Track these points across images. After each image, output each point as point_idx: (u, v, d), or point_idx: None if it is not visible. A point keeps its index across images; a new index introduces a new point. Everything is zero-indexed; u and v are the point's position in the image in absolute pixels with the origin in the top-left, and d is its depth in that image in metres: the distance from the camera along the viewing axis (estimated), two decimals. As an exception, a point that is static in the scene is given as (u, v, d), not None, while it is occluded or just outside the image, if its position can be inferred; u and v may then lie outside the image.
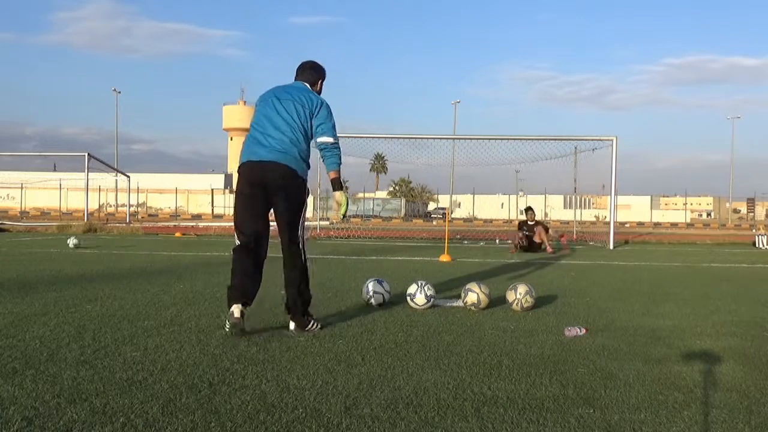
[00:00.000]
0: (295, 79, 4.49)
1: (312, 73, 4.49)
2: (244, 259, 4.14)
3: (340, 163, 4.33)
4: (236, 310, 3.90)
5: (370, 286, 5.23)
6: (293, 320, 4.18)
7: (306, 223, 4.39)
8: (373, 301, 5.17)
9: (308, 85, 4.42)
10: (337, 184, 4.39)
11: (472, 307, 5.07)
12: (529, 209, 13.94)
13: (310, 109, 4.21)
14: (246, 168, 4.22)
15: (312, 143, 4.33)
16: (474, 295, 5.08)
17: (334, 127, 4.27)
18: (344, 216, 4.47)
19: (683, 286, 7.22)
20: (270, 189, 4.13)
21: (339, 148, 4.31)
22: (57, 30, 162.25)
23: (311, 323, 4.19)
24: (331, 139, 4.23)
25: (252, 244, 4.17)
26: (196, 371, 3.11)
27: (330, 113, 4.28)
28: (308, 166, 4.28)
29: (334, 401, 2.69)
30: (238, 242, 4.19)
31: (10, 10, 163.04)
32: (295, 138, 4.16)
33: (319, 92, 4.50)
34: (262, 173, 4.12)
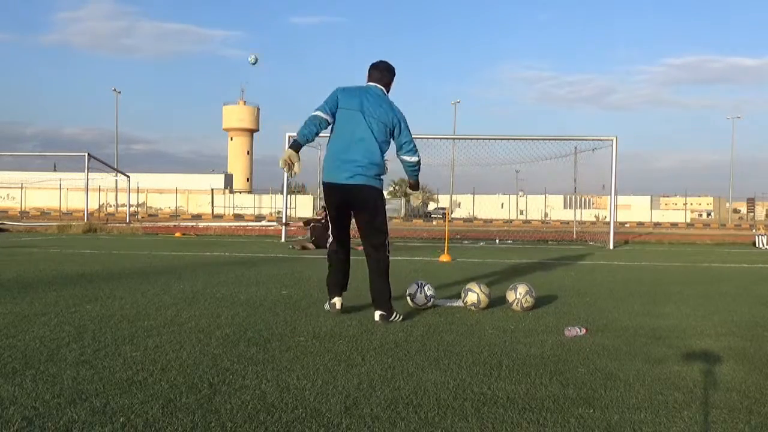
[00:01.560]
0: (369, 80, 4.72)
1: (387, 75, 4.75)
2: (335, 259, 4.83)
3: (416, 175, 4.90)
4: (337, 301, 4.74)
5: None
6: (379, 310, 4.53)
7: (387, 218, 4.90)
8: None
9: (384, 89, 4.70)
10: (417, 186, 5.04)
11: (472, 307, 5.07)
12: None
13: (391, 127, 4.58)
14: (329, 189, 4.66)
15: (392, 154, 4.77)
16: (474, 295, 5.08)
17: (414, 143, 4.72)
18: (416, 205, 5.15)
19: (683, 286, 7.22)
20: (353, 207, 4.66)
21: (420, 162, 4.82)
22: (58, 30, 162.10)
23: (394, 314, 4.54)
24: (416, 159, 4.74)
25: (341, 248, 4.82)
26: (196, 371, 3.11)
27: (408, 128, 4.67)
28: (384, 173, 4.69)
29: (334, 401, 2.69)
30: (332, 247, 4.84)
31: (11, 11, 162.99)
32: (376, 158, 4.55)
33: (389, 91, 4.78)
34: (345, 195, 4.58)
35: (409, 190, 5.14)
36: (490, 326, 4.43)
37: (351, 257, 4.92)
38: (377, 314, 4.53)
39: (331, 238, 4.84)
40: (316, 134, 4.61)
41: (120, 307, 4.98)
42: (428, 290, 5.10)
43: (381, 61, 4.77)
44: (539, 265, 9.82)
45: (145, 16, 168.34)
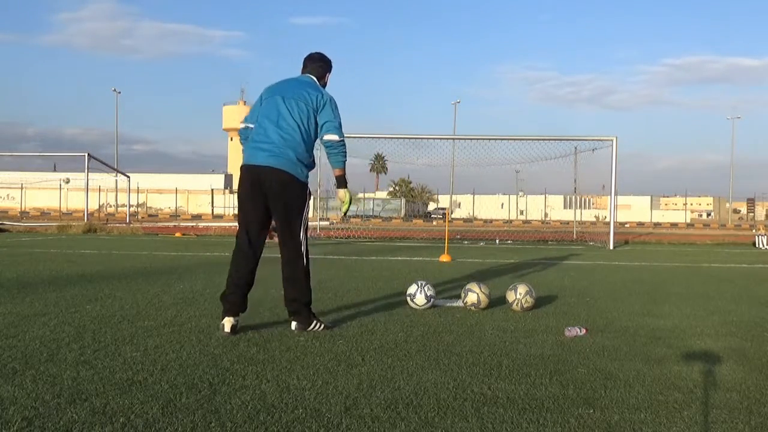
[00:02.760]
0: (302, 72, 4.46)
1: (320, 65, 4.46)
2: (240, 262, 4.19)
3: (345, 161, 4.31)
4: (227, 323, 4.02)
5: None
6: (295, 320, 4.18)
7: (309, 223, 4.35)
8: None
9: (315, 79, 4.39)
10: (342, 182, 4.39)
11: (472, 307, 5.07)
12: None
13: (314, 107, 4.18)
14: (245, 171, 4.24)
15: (317, 141, 4.31)
16: (474, 295, 5.08)
17: (340, 124, 4.24)
18: (345, 214, 4.44)
19: (683, 286, 7.22)
20: (268, 194, 4.13)
21: (345, 145, 4.28)
22: (59, 31, 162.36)
23: (314, 323, 4.17)
24: (336, 137, 4.20)
25: (248, 244, 4.20)
26: (196, 371, 3.11)
27: (335, 109, 4.23)
28: (310, 167, 4.26)
29: (334, 401, 2.69)
30: (237, 241, 4.24)
31: (12, 11, 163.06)
32: (296, 140, 4.13)
33: (325, 85, 4.47)
34: (259, 178, 4.12)
35: (334, 186, 4.52)
36: (490, 326, 4.43)
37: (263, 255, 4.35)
38: (293, 324, 4.18)
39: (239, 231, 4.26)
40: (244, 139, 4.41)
41: (120, 307, 4.98)
42: (428, 290, 5.10)
43: (315, 53, 4.51)
44: (539, 265, 9.82)
45: (145, 17, 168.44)
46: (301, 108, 4.17)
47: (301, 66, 4.50)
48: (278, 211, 4.17)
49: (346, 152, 4.31)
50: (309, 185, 4.33)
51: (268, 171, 4.09)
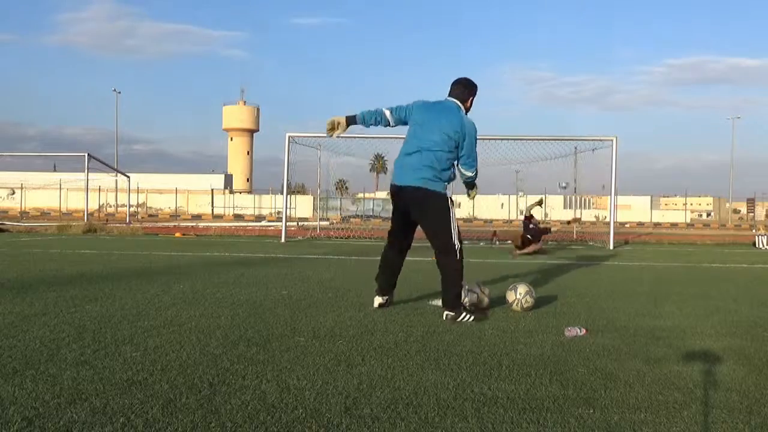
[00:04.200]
0: (449, 95, 4.90)
1: (464, 90, 4.90)
2: (387, 259, 5.06)
3: (473, 185, 5.10)
4: (376, 302, 4.98)
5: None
6: (447, 311, 4.63)
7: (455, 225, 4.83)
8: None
9: (459, 103, 4.84)
10: (471, 186, 5.16)
11: (472, 308, 5.07)
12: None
13: (456, 139, 4.68)
14: (393, 190, 4.85)
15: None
16: (474, 295, 5.08)
17: (475, 158, 4.85)
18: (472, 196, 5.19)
19: (683, 286, 7.22)
20: (413, 210, 4.77)
21: (475, 181, 5.01)
22: (60, 31, 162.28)
23: (463, 315, 4.59)
24: (471, 174, 4.89)
25: (395, 249, 5.06)
26: (196, 371, 3.11)
27: (474, 144, 4.79)
28: (450, 180, 4.79)
29: (334, 401, 2.69)
30: (387, 245, 5.10)
31: (14, 12, 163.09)
32: (438, 162, 4.65)
33: (469, 108, 4.92)
34: (404, 196, 4.75)
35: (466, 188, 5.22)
36: (490, 326, 4.43)
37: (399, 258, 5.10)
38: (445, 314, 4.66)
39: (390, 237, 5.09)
40: (372, 124, 5.01)
41: (120, 307, 4.98)
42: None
43: (462, 78, 4.96)
44: (539, 265, 9.82)
45: (146, 17, 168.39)
46: (443, 139, 4.66)
47: (448, 89, 4.94)
48: (425, 222, 4.81)
49: (476, 179, 5.01)
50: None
51: (412, 191, 4.69)
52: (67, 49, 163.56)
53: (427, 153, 4.65)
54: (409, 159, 4.73)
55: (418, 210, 4.76)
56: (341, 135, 5.03)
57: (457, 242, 4.72)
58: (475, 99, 4.98)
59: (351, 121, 4.98)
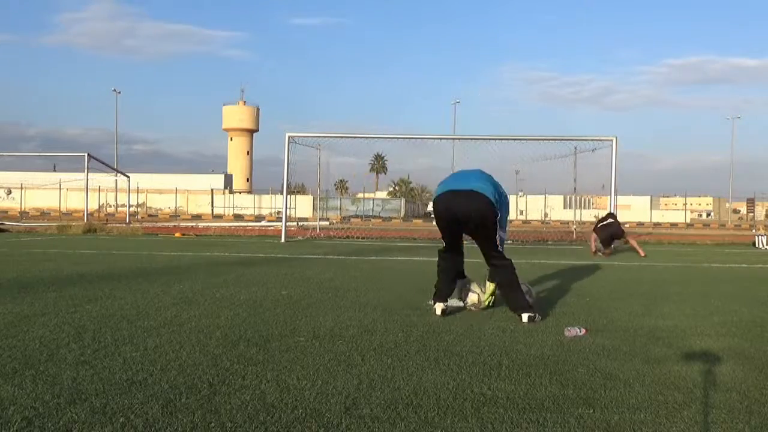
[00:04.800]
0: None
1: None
2: (445, 270, 5.07)
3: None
4: (438, 308, 4.89)
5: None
6: (521, 314, 4.68)
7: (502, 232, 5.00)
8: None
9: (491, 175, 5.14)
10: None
11: (472, 308, 5.07)
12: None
13: (494, 195, 4.86)
14: (445, 199, 4.92)
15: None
16: (474, 295, 5.08)
17: (506, 223, 5.13)
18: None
19: (683, 286, 7.22)
20: (469, 217, 4.83)
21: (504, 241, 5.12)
22: (60, 31, 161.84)
23: (535, 315, 4.68)
24: (504, 236, 5.06)
25: (450, 255, 5.09)
26: (196, 371, 3.11)
27: (506, 207, 5.09)
28: (500, 207, 4.91)
29: (334, 401, 2.69)
30: (442, 250, 5.13)
31: (14, 12, 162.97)
32: (489, 182, 4.91)
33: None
34: (461, 203, 4.82)
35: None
36: (490, 326, 4.43)
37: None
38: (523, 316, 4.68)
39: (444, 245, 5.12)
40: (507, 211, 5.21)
41: (120, 307, 4.98)
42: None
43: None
44: (539, 265, 9.82)
45: (146, 17, 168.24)
46: (486, 181, 4.94)
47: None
48: (474, 230, 4.93)
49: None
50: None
51: (468, 194, 4.82)
52: (67, 49, 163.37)
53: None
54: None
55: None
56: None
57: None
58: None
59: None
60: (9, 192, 49.35)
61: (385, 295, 5.94)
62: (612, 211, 13.61)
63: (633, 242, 12.94)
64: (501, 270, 4.91)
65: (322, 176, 21.27)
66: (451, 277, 5.03)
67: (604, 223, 12.87)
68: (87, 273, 7.53)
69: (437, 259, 5.15)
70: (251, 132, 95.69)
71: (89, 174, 25.17)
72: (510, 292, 4.84)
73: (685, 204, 62.04)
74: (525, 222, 44.18)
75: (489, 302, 5.10)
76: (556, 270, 8.98)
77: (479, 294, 5.08)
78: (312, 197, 49.03)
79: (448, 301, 4.97)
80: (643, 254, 12.27)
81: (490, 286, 5.07)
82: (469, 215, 4.80)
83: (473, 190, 4.78)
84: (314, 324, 4.39)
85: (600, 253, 12.42)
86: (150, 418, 2.44)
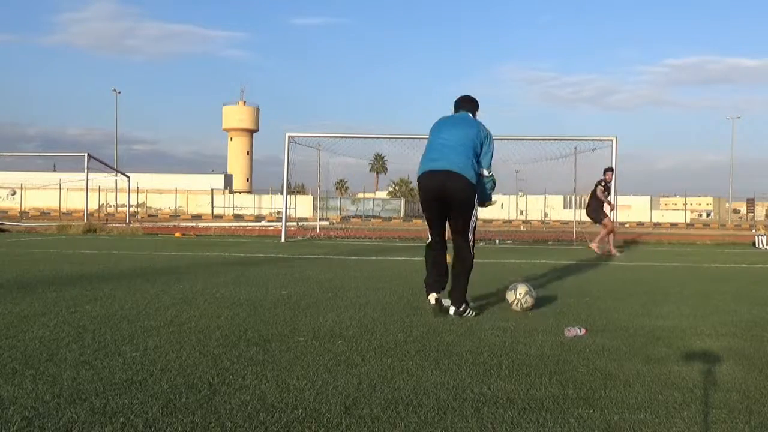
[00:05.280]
0: (458, 110, 5.26)
1: (472, 105, 5.29)
2: (434, 262, 5.05)
3: (491, 193, 5.16)
4: (432, 297, 4.92)
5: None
6: (454, 305, 4.80)
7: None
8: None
9: (471, 115, 5.21)
10: (483, 204, 5.29)
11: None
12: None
13: (480, 139, 4.98)
14: (427, 179, 4.92)
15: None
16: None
17: (491, 158, 5.09)
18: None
19: (683, 286, 7.22)
20: (449, 195, 4.84)
21: (494, 182, 5.14)
22: (61, 31, 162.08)
23: (467, 309, 4.79)
24: (486, 173, 5.05)
25: (437, 241, 5.07)
26: (196, 371, 3.11)
27: (492, 146, 5.08)
28: (478, 179, 4.96)
29: (334, 401, 2.69)
30: (428, 239, 5.14)
31: (15, 12, 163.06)
32: (470, 155, 4.89)
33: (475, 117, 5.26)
34: (440, 181, 4.82)
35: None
36: (490, 326, 4.43)
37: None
38: (451, 308, 4.81)
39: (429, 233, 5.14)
40: (492, 184, 5.26)
41: (120, 307, 4.98)
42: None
43: (466, 95, 5.35)
44: (539, 265, 9.82)
45: (147, 17, 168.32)
46: (470, 133, 4.96)
47: (454, 107, 5.30)
48: (453, 211, 4.95)
49: (493, 185, 5.17)
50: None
51: (449, 175, 4.81)
52: (67, 49, 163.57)
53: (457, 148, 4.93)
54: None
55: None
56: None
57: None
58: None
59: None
60: (13, 192, 49.38)
61: (385, 295, 5.94)
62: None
63: (604, 233, 12.54)
64: (462, 258, 4.92)
65: (322, 176, 21.26)
66: (441, 271, 5.00)
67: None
68: (87, 273, 7.53)
69: (424, 254, 5.17)
70: (251, 132, 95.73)
71: (89, 174, 25.14)
72: (458, 281, 4.86)
73: (685, 204, 62.05)
74: (525, 222, 44.16)
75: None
76: (556, 270, 8.98)
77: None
78: (312, 197, 49.02)
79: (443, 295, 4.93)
80: (597, 250, 12.07)
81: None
82: (451, 196, 4.84)
83: (451, 171, 4.79)
84: (314, 324, 4.39)
85: (607, 251, 12.33)
86: (150, 418, 2.44)
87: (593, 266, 9.89)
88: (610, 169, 13.12)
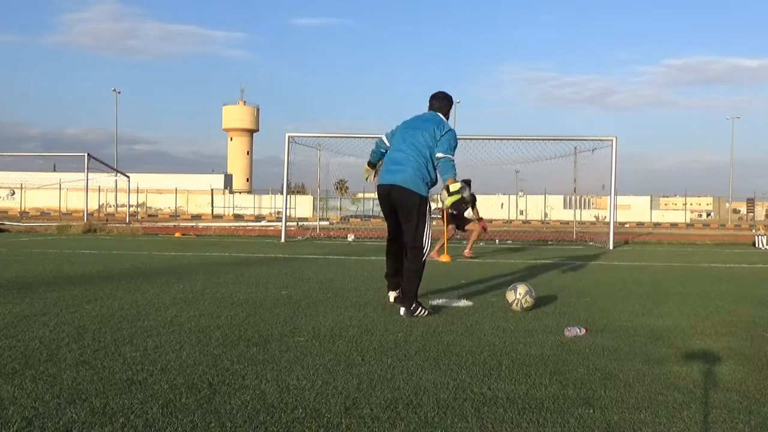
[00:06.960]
0: (429, 108, 5.26)
1: (443, 102, 5.26)
2: (390, 254, 5.32)
3: (453, 172, 4.93)
4: (391, 296, 5.26)
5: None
6: (403, 305, 4.84)
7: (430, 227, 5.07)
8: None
9: (441, 115, 5.19)
10: (448, 188, 4.98)
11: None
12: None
13: (436, 138, 4.96)
14: (379, 189, 5.13)
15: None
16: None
17: (450, 147, 4.98)
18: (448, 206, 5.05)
19: (683, 286, 7.22)
20: (396, 205, 5.01)
21: (452, 161, 4.98)
22: (62, 31, 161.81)
23: (419, 309, 4.81)
24: (441, 154, 4.93)
25: (393, 242, 5.27)
26: (196, 371, 3.11)
27: (452, 138, 5.00)
28: (430, 185, 5.04)
29: (334, 401, 2.69)
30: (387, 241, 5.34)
31: (17, 12, 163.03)
32: (419, 164, 4.93)
33: (448, 116, 5.27)
34: (389, 194, 5.00)
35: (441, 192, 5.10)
36: (490, 326, 4.43)
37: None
38: (401, 310, 4.84)
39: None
40: (378, 152, 5.38)
41: (120, 307, 4.98)
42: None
43: (439, 92, 5.30)
44: (539, 265, 9.82)
45: (148, 17, 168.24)
46: (426, 138, 4.97)
47: (427, 104, 5.28)
48: (403, 218, 5.03)
49: (453, 165, 4.97)
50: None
51: (394, 189, 4.96)
52: (67, 49, 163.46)
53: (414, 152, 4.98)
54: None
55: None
56: (371, 175, 5.55)
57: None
58: (451, 110, 5.32)
59: (369, 162, 5.51)
60: (12, 193, 49.44)
61: (385, 295, 5.93)
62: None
63: (474, 235, 12.06)
64: (414, 261, 4.94)
65: (322, 176, 21.26)
66: (399, 266, 5.16)
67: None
68: (87, 273, 7.53)
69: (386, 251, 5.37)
70: (251, 132, 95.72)
71: (89, 174, 25.13)
72: (409, 283, 4.90)
73: (685, 204, 62.02)
74: (525, 222, 44.16)
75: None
76: (557, 270, 8.98)
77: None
78: (312, 197, 49.00)
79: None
80: (470, 253, 11.66)
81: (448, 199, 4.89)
82: (398, 205, 4.99)
83: (396, 185, 4.92)
84: (314, 324, 4.39)
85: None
86: (150, 418, 2.44)
87: (593, 266, 9.89)
88: None
